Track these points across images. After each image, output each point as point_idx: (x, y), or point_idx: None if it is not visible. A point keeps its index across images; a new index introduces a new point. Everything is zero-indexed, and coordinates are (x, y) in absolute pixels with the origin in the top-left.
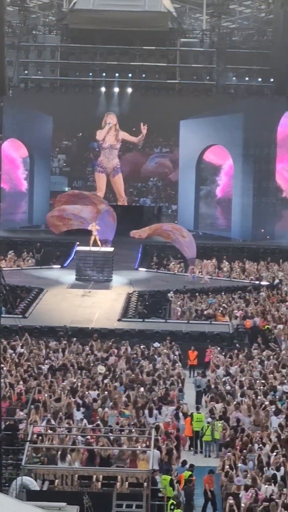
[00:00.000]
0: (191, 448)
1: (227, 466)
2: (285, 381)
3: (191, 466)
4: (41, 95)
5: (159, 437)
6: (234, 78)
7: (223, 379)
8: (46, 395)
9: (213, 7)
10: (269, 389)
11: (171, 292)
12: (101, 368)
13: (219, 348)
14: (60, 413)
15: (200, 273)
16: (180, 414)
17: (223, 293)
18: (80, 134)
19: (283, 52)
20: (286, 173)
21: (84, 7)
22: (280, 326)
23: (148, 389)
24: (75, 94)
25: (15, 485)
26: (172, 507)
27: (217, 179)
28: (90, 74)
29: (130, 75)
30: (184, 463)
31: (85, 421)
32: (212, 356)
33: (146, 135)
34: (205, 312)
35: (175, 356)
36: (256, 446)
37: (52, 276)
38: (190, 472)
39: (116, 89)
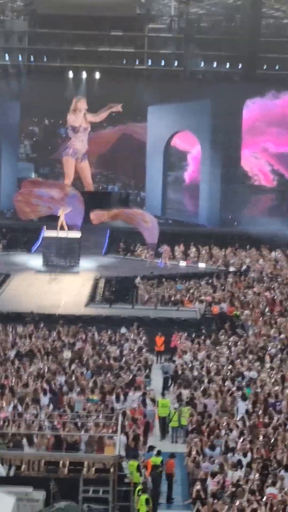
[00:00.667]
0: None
1: (194, 452)
2: (252, 367)
3: (159, 452)
4: (9, 80)
5: (126, 423)
6: (202, 64)
7: (190, 365)
8: (13, 380)
9: None
10: (236, 375)
11: (139, 278)
12: (66, 354)
13: (186, 334)
14: (27, 398)
15: (168, 260)
16: (147, 400)
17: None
18: (49, 120)
19: (251, 38)
20: (253, 160)
21: None
22: (247, 312)
23: (115, 375)
24: (43, 80)
25: None
26: (139, 493)
27: (185, 165)
28: (58, 59)
29: (98, 60)
30: (150, 448)
31: (51, 406)
32: (179, 342)
33: (115, 120)
34: (173, 298)
35: (142, 342)
36: (223, 432)
37: (19, 261)
38: (161, 458)
39: (84, 75)
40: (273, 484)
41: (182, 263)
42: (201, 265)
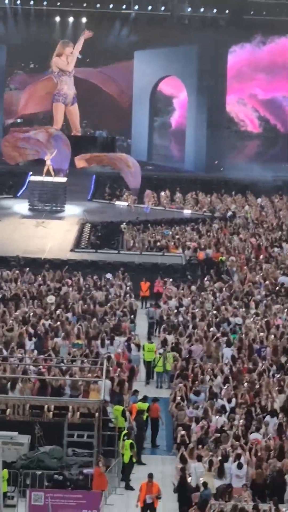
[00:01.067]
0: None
1: (178, 397)
2: (238, 313)
3: (145, 397)
4: None
5: (111, 368)
6: (189, 9)
7: (176, 311)
8: None
9: None
10: (222, 321)
11: (124, 223)
12: (50, 298)
13: (171, 280)
14: (12, 343)
15: (152, 204)
16: (132, 345)
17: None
18: (35, 64)
19: None
20: (240, 106)
21: None
22: (233, 258)
23: (100, 319)
24: (29, 23)
25: None
26: (124, 437)
27: (171, 110)
28: (45, 3)
29: (84, 4)
30: (135, 392)
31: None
32: (164, 287)
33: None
34: (158, 244)
35: (127, 287)
36: (207, 377)
37: (5, 206)
38: (147, 404)
39: (71, 19)
40: (257, 429)
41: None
42: (187, 211)
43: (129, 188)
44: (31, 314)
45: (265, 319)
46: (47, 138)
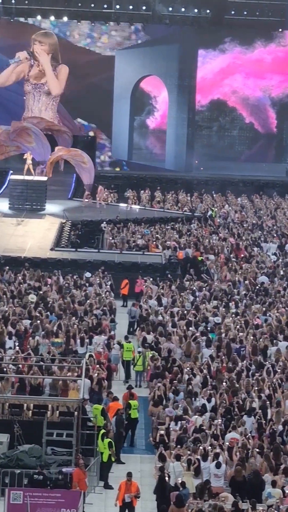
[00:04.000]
0: None
1: (157, 396)
2: (217, 312)
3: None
4: None
5: (90, 367)
6: (170, 8)
7: (155, 310)
8: None
9: None
10: (201, 320)
11: (104, 222)
12: (32, 297)
13: (151, 279)
14: None
15: (133, 204)
16: (112, 343)
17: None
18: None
19: None
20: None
21: None
22: (213, 257)
23: (80, 318)
24: (10, 22)
25: None
26: (103, 436)
27: (152, 109)
28: (26, 1)
29: (66, 3)
30: (109, 394)
31: (17, 349)
32: (144, 286)
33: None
34: (138, 243)
35: (107, 286)
36: (186, 376)
37: None
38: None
39: (52, 18)
40: (234, 428)
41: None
42: (167, 210)
43: (84, 184)
44: (11, 313)
45: (244, 318)
46: (22, 128)
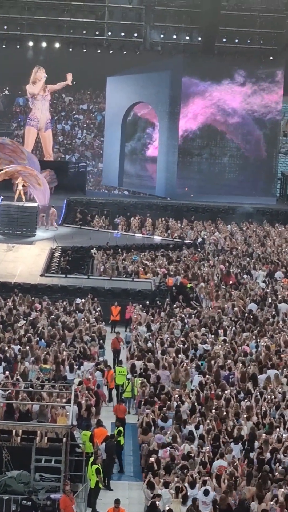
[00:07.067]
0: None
1: (145, 423)
2: (206, 339)
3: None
4: None
5: (79, 393)
6: (162, 36)
7: (144, 336)
8: None
9: None
10: (190, 347)
11: (94, 248)
12: (21, 323)
13: (140, 306)
14: None
15: (123, 230)
16: (97, 370)
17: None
18: (8, 88)
19: (212, 10)
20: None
21: None
22: (202, 284)
23: (69, 344)
24: (2, 48)
25: None
26: (92, 463)
27: (143, 136)
28: (18, 28)
29: (58, 30)
30: (98, 422)
31: (6, 374)
32: (133, 313)
33: (74, 90)
34: (128, 269)
35: (96, 313)
36: (174, 403)
37: None
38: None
39: (44, 44)
40: (222, 456)
41: (138, 235)
42: (157, 237)
43: (38, 205)
44: (0, 338)
45: (233, 346)
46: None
